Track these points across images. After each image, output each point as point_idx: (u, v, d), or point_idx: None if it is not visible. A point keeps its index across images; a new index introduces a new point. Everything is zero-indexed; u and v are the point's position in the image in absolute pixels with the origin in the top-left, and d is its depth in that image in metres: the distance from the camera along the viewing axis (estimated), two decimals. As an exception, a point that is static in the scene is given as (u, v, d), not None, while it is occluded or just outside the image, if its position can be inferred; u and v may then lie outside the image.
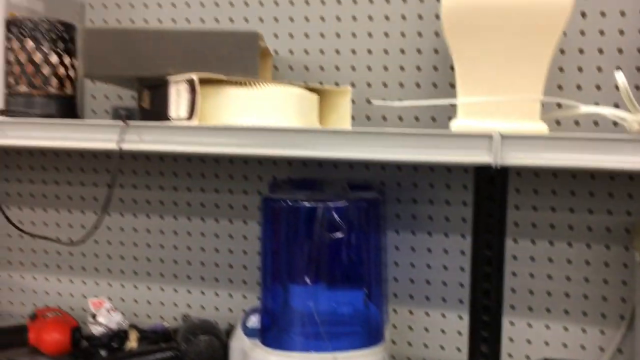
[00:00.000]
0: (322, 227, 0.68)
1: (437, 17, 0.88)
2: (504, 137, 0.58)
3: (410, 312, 0.93)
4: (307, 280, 0.70)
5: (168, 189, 1.01)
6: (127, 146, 0.67)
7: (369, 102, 0.91)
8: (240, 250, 0.99)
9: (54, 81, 0.76)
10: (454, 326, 0.92)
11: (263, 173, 0.97)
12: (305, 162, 0.95)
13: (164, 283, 1.03)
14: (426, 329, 0.92)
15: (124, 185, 1.01)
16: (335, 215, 0.68)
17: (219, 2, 0.96)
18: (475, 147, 0.59)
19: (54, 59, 0.75)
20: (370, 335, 0.71)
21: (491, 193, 0.88)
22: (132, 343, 0.89)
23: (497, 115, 0.67)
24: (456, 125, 0.68)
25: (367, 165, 0.93)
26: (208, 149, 0.65)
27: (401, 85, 0.90)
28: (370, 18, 0.91)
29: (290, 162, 0.96)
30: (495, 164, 0.59)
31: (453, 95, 0.89)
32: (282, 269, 0.73)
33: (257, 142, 0.64)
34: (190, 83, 0.68)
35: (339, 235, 0.69)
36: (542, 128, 0.66)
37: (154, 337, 0.91)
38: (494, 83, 0.68)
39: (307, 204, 0.69)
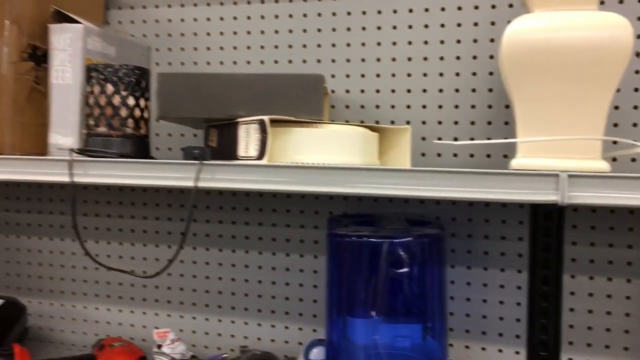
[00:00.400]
0: (387, 261, 0.71)
1: (492, 57, 0.91)
2: (571, 176, 0.60)
3: (467, 347, 0.93)
4: (372, 313, 0.72)
5: (240, 223, 1.05)
6: (203, 184, 0.70)
7: (423, 139, 0.94)
8: (297, 283, 1.01)
9: (130, 122, 0.80)
10: (511, 361, 0.92)
11: (320, 208, 1.00)
12: (360, 197, 0.98)
13: (221, 315, 1.06)
14: (483, 364, 0.93)
15: (198, 220, 1.06)
16: (400, 251, 0.71)
17: (279, 44, 1.01)
18: (542, 186, 0.61)
19: (130, 101, 0.80)
20: (434, 369, 0.73)
21: (548, 229, 0.89)
22: (195, 373, 0.92)
23: (559, 153, 0.69)
24: (517, 163, 0.70)
25: (422, 200, 0.95)
26: (277, 187, 0.68)
27: (455, 123, 0.93)
28: (425, 59, 0.94)
29: (345, 197, 0.99)
30: (562, 203, 0.61)
31: (507, 132, 0.91)
32: (347, 303, 0.75)
33: (323, 180, 0.67)
34: (261, 124, 0.71)
35: (403, 270, 0.71)
36: (604, 166, 0.67)
37: (215, 368, 0.93)
38: (555, 122, 0.70)
39: (372, 239, 0.71)
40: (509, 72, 0.70)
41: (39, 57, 0.91)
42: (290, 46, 1.00)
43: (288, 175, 0.68)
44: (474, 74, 0.92)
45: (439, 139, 0.94)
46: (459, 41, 0.92)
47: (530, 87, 0.70)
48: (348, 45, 0.98)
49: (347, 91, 0.98)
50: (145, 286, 1.10)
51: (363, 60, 0.97)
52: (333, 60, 0.98)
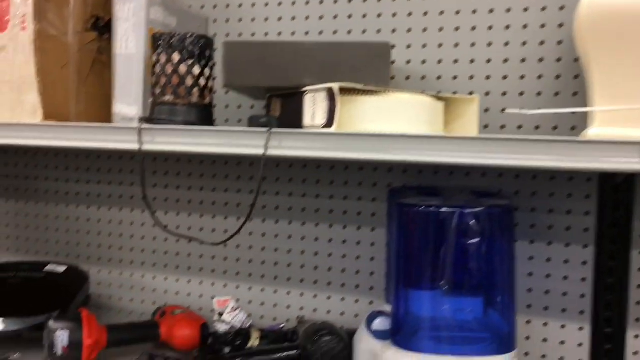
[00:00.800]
0: (457, 232, 0.70)
1: (561, 25, 0.88)
2: (659, 144, 0.58)
3: (528, 322, 0.92)
4: (440, 285, 0.71)
5: (296, 195, 1.05)
6: (272, 152, 0.70)
7: (487, 110, 0.92)
8: (354, 255, 1.01)
9: (196, 91, 0.81)
10: (574, 338, 0.90)
11: (378, 180, 0.99)
12: (420, 170, 0.97)
13: (277, 286, 1.06)
14: (545, 340, 0.91)
15: (267, 192, 1.07)
16: (471, 221, 0.70)
17: (338, 14, 0.99)
18: (625, 155, 0.59)
19: (196, 70, 0.80)
20: (502, 343, 0.72)
21: (617, 202, 0.87)
22: (254, 342, 0.92)
23: (638, 122, 0.67)
24: (593, 133, 0.68)
25: (484, 172, 0.93)
26: (347, 154, 0.68)
27: (521, 94, 0.91)
28: (490, 28, 0.92)
29: (405, 169, 0.98)
30: (648, 172, 0.59)
31: (576, 103, 0.88)
32: (412, 274, 0.74)
33: (393, 148, 0.66)
34: (330, 92, 0.71)
35: (474, 241, 0.70)
36: (688, 136, 0.65)
37: (273, 337, 0.94)
38: (633, 90, 0.68)
39: (443, 209, 0.71)
40: (586, 38, 0.68)
41: (101, 27, 0.92)
42: (349, 16, 0.99)
43: (358, 143, 0.67)
44: (542, 43, 0.89)
45: (503, 110, 0.92)
46: (526, 9, 0.90)
47: (610, 54, 0.68)
48: (409, 14, 0.96)
49: (408, 62, 0.96)
50: (201, 256, 1.11)
51: (425, 30, 0.95)
52: (393, 30, 0.97)
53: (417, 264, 0.74)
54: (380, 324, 0.81)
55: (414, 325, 0.75)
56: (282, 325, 0.99)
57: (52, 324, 0.85)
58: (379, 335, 0.78)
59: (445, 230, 0.70)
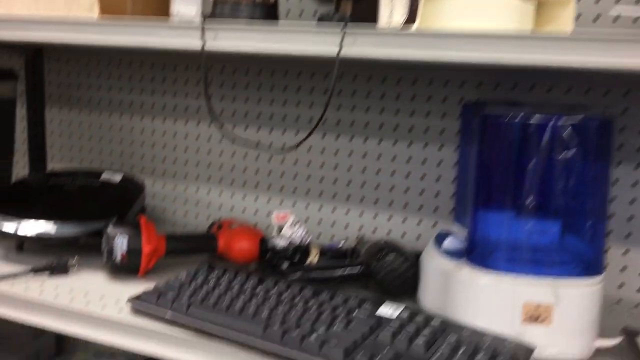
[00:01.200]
0: (550, 146, 0.63)
1: None
2: None
3: (625, 252, 0.86)
4: (523, 203, 0.66)
5: (360, 110, 0.99)
6: (346, 52, 0.64)
7: (579, 17, 0.83)
8: (419, 175, 0.96)
9: (261, -13, 0.74)
10: (659, 268, 0.84)
11: (449, 94, 0.92)
12: (497, 84, 0.89)
13: (336, 204, 1.03)
14: None
15: (329, 105, 1.01)
16: (567, 134, 0.63)
17: None
18: None
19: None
20: (589, 266, 0.67)
21: None
22: (313, 258, 0.90)
23: None
24: None
25: (569, 88, 0.86)
26: (429, 53, 0.61)
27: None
28: None
29: (479, 83, 0.90)
30: None
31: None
32: (495, 191, 0.69)
33: (482, 47, 0.59)
34: (413, -15, 0.64)
35: (566, 156, 0.63)
36: None
37: (332, 255, 0.91)
38: None
39: (536, 119, 0.64)
40: None
41: None
42: None
43: (444, 41, 0.60)
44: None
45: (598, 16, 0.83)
46: None
47: None
48: None
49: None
50: (258, 171, 1.08)
51: None
52: None
53: (499, 181, 0.68)
54: (451, 243, 0.76)
55: (491, 245, 0.70)
56: (340, 244, 0.95)
57: (110, 229, 0.83)
58: (450, 254, 0.74)
59: (535, 144, 0.64)
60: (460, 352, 0.61)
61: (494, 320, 0.67)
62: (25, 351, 1.17)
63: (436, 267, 0.74)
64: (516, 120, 0.65)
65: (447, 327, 0.67)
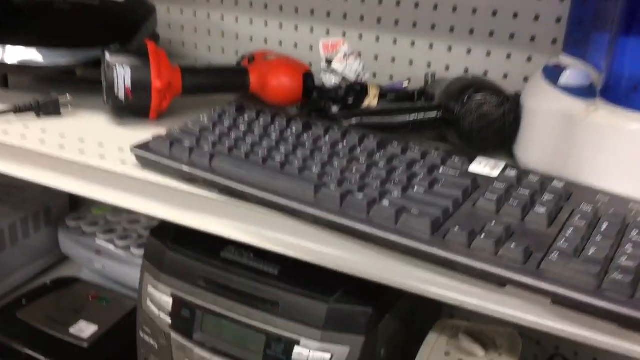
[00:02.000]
0: None
1: None
2: None
3: None
4: None
5: None
6: None
7: None
8: (514, -9, 0.72)
9: None
10: None
11: None
12: None
13: (398, 34, 0.80)
14: None
15: None
16: None
17: None
18: None
19: None
20: None
21: None
22: (372, 100, 0.69)
23: None
24: None
25: None
26: None
27: None
28: None
29: None
30: None
31: None
32: (624, 17, 0.47)
33: None
34: None
35: None
36: None
37: (398, 97, 0.70)
38: None
39: None
40: None
41: None
42: None
43: None
44: None
45: None
46: None
47: None
48: None
49: None
50: (298, -8, 0.84)
51: None
52: None
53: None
54: (572, 77, 0.54)
55: (616, 83, 0.49)
56: (405, 85, 0.74)
57: (109, 56, 0.63)
58: (573, 92, 0.53)
59: None
60: (604, 227, 0.42)
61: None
62: (36, 205, 1.03)
63: (552, 109, 0.53)
64: None
65: (574, 191, 0.47)
